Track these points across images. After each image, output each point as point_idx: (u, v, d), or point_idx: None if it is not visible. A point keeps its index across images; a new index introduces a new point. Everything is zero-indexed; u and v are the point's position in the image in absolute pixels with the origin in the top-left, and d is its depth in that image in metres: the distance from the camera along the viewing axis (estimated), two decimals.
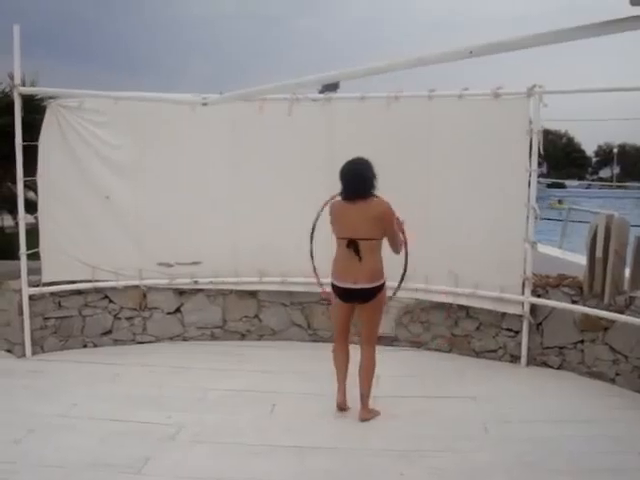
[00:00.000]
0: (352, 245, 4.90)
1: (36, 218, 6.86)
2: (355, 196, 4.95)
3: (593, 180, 59.30)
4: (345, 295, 5.05)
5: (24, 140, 6.45)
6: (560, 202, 10.40)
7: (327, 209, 5.15)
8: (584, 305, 6.01)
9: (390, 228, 5.00)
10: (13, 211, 14.80)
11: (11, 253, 12.93)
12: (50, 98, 6.82)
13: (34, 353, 6.66)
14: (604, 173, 67.77)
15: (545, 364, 6.37)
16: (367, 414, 5.07)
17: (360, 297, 5.01)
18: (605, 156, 68.55)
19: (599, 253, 5.57)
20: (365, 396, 5.11)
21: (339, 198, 5.06)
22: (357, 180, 4.98)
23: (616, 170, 64.04)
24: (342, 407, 5.18)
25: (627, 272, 5.53)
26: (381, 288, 5.03)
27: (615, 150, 62.55)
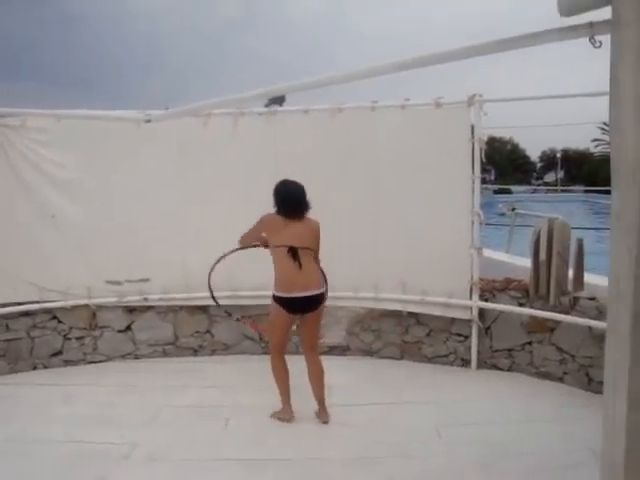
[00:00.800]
0: (291, 251, 5.07)
1: None
2: (297, 214, 5.17)
3: (539, 185, 60.27)
4: (293, 305, 5.12)
5: None
6: (513, 209, 10.51)
7: (263, 221, 5.26)
8: (530, 307, 6.15)
9: (318, 245, 5.31)
10: None
11: None
12: None
13: None
14: (549, 178, 68.89)
15: (495, 367, 6.49)
16: (328, 415, 5.26)
17: (310, 304, 5.15)
18: (549, 161, 69.65)
19: (543, 256, 5.72)
20: (324, 399, 5.29)
21: (272, 214, 5.20)
22: (300, 200, 5.20)
23: (560, 174, 65.19)
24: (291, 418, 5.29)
25: (570, 273, 5.69)
26: (325, 293, 5.25)
27: (558, 155, 63.68)
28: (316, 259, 5.32)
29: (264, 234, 5.29)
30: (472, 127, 6.35)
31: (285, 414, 5.32)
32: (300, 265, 5.08)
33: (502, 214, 10.66)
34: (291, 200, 5.18)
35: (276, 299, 5.15)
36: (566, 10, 2.43)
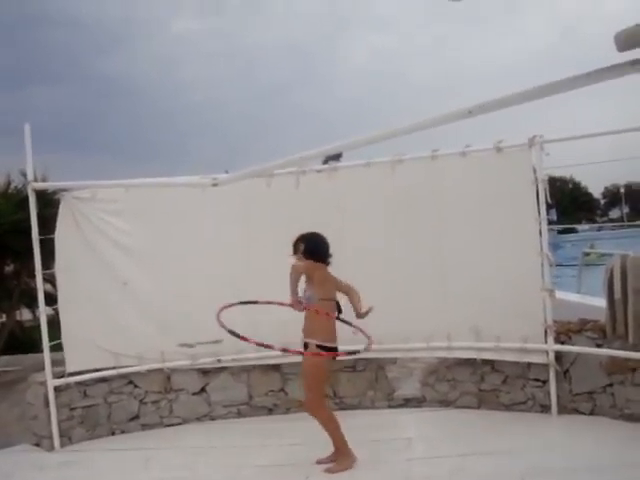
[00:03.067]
0: (338, 306, 5.47)
1: (55, 310, 6.93)
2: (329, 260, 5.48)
3: (604, 222, 59.26)
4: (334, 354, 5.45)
5: (39, 234, 6.57)
6: (588, 254, 10.22)
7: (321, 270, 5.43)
8: (609, 347, 5.98)
9: None
10: (31, 305, 15.03)
11: (32, 347, 13.06)
12: (62, 190, 6.96)
13: (62, 445, 6.63)
14: (613, 214, 67.76)
15: (576, 411, 6.29)
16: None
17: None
18: (612, 197, 68.63)
19: (618, 294, 5.58)
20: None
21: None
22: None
23: (625, 209, 63.99)
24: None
25: None
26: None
27: (622, 190, 62.64)
28: None
29: (312, 280, 5.41)
30: (534, 168, 6.31)
31: (350, 461, 5.33)
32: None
33: (587, 254, 10.32)
34: (327, 248, 5.47)
35: (326, 349, 5.28)
36: (622, 45, 2.42)
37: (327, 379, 5.52)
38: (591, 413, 6.23)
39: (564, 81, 2.89)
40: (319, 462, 5.46)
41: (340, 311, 5.47)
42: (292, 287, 5.36)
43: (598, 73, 2.75)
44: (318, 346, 5.27)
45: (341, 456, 5.35)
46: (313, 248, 5.42)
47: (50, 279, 7.49)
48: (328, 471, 5.29)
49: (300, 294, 5.43)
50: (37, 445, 6.70)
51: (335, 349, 5.37)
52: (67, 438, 6.73)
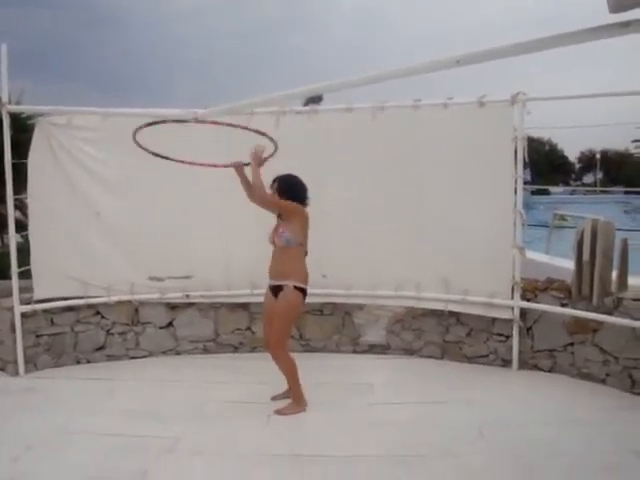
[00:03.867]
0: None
1: (24, 237, 6.87)
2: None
3: (577, 186, 59.72)
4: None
5: (11, 159, 6.45)
6: (563, 218, 10.22)
7: (304, 215, 5.45)
8: (573, 308, 6.08)
9: None
10: (0, 232, 14.86)
11: (1, 273, 12.94)
12: (37, 116, 6.84)
13: (27, 371, 6.65)
14: (587, 179, 68.29)
15: (536, 367, 6.44)
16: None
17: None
18: (588, 162, 69.01)
19: (586, 256, 5.66)
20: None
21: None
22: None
23: (599, 175, 64.51)
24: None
25: (614, 274, 5.63)
26: None
27: (598, 156, 63.02)
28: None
29: (293, 223, 5.40)
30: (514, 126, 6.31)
31: (302, 406, 5.44)
32: None
33: (558, 216, 10.31)
34: (304, 187, 5.48)
35: (302, 290, 5.35)
36: (615, 6, 2.41)
37: (296, 321, 5.57)
38: (550, 370, 6.38)
39: (553, 37, 2.88)
40: (274, 398, 5.61)
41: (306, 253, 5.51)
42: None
43: (588, 32, 2.75)
44: (296, 287, 5.30)
45: (295, 399, 5.44)
46: (289, 188, 5.42)
47: (20, 206, 7.41)
48: (278, 412, 5.38)
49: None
50: (2, 370, 6.72)
51: (304, 291, 5.41)
52: (32, 364, 6.74)
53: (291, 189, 5.42)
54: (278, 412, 5.37)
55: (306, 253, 5.46)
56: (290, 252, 5.35)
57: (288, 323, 5.49)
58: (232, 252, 6.80)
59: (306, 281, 5.39)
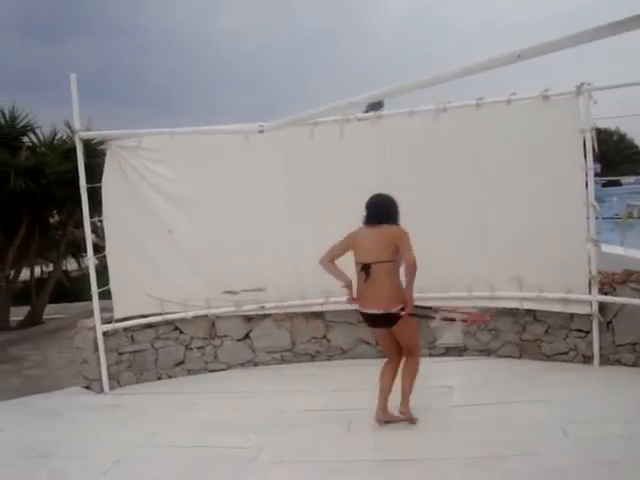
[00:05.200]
0: (364, 269, 5.07)
1: (100, 259, 7.08)
2: (375, 221, 5.17)
3: None
4: (367, 320, 5.22)
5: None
6: (631, 215, 9.98)
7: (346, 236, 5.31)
8: None
9: (404, 245, 5.00)
10: (76, 255, 15.32)
11: (78, 296, 13.35)
12: (106, 141, 7.06)
13: (111, 388, 6.86)
14: None
15: (619, 362, 6.28)
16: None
17: (382, 322, 5.13)
18: None
19: None
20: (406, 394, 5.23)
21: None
22: (380, 207, 5.23)
23: None
24: (380, 420, 5.26)
25: None
26: (398, 315, 5.01)
27: None
28: (396, 268, 5.14)
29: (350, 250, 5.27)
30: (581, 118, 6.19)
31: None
32: (373, 281, 5.05)
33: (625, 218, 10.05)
34: (370, 208, 5.25)
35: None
36: None
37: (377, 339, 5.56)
38: (634, 365, 6.21)
39: (610, 25, 2.84)
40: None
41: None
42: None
43: None
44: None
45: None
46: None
47: (95, 229, 7.64)
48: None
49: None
50: (87, 388, 6.93)
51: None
52: (116, 381, 6.95)
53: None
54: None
55: (360, 271, 5.17)
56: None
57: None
58: (301, 262, 6.85)
59: (358, 302, 5.20)
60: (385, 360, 5.43)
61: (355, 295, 5.20)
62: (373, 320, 5.16)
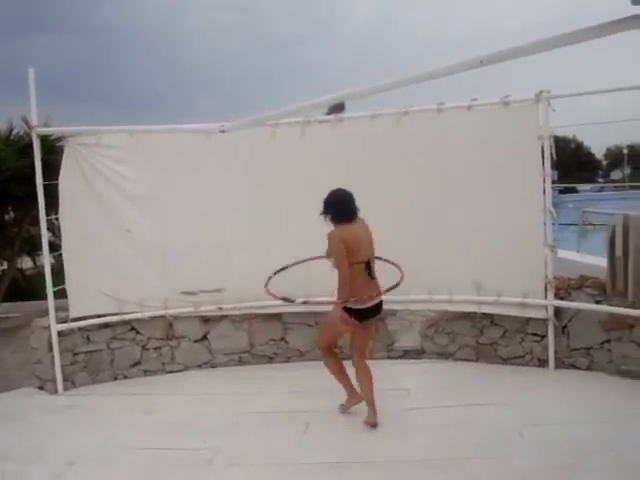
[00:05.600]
0: (368, 267, 5.19)
1: (56, 257, 6.97)
2: (354, 215, 5.25)
3: (605, 182, 58.97)
4: (366, 315, 5.21)
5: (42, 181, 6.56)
6: (589, 223, 10.05)
7: (331, 241, 5.14)
8: (608, 304, 6.02)
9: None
10: (32, 253, 15.05)
11: (33, 294, 13.11)
12: (64, 137, 6.94)
13: (66, 389, 6.75)
14: (615, 175, 67.42)
15: (573, 366, 6.37)
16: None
17: (377, 312, 5.29)
18: (615, 158, 68.22)
19: (619, 252, 5.62)
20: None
21: (332, 228, 5.19)
22: (351, 200, 5.27)
23: (627, 171, 63.68)
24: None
25: None
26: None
27: (625, 151, 62.22)
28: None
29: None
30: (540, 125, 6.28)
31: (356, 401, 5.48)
32: (372, 277, 5.22)
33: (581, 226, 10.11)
34: (347, 202, 5.26)
35: (348, 310, 5.13)
36: None
37: (339, 334, 5.60)
38: (588, 368, 6.31)
39: (576, 32, 2.88)
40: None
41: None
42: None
43: (610, 25, 2.74)
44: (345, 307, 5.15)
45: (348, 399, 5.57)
46: (331, 212, 5.24)
47: (51, 227, 7.51)
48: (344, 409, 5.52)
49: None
50: (41, 388, 6.81)
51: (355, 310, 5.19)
52: (70, 382, 6.84)
53: (331, 212, 5.25)
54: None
55: (364, 269, 5.20)
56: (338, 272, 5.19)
57: (329, 333, 5.54)
58: (262, 264, 6.81)
59: (357, 300, 5.11)
60: (330, 354, 5.57)
61: (353, 296, 5.08)
62: (373, 312, 5.26)
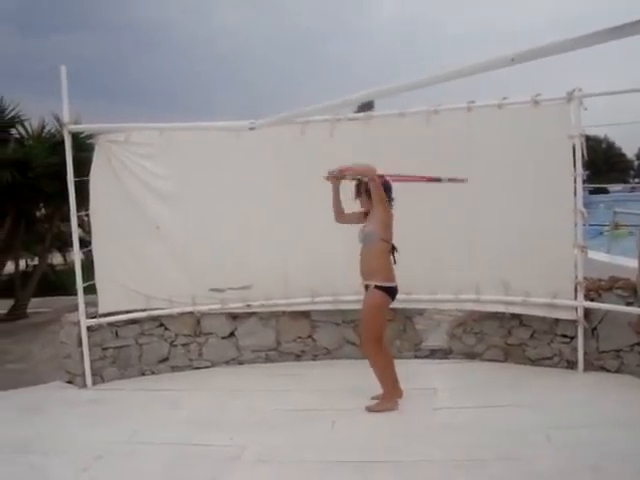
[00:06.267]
0: (393, 251, 5.55)
1: (85, 253, 7.03)
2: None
3: (637, 183, 58.26)
4: (395, 294, 5.57)
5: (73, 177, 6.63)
6: (618, 228, 9.97)
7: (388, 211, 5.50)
8: (639, 306, 5.95)
9: None
10: (62, 249, 15.24)
11: (63, 290, 13.27)
12: (95, 134, 7.01)
13: (95, 383, 6.81)
14: None
15: (603, 368, 6.30)
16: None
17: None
18: None
19: None
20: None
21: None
22: None
23: None
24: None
25: None
26: None
27: None
28: None
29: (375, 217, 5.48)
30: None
31: (393, 403, 5.50)
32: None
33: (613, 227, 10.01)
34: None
35: (386, 290, 5.38)
36: None
37: (385, 322, 5.68)
38: (617, 371, 6.23)
39: (603, 31, 2.83)
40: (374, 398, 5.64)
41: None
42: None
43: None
44: (377, 287, 5.39)
45: (385, 396, 5.55)
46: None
47: (81, 223, 7.58)
48: (368, 409, 5.48)
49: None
50: (70, 382, 6.89)
51: (392, 289, 5.48)
52: (99, 377, 6.90)
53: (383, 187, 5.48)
54: (368, 408, 5.48)
55: (393, 250, 5.56)
56: (372, 249, 5.43)
57: (373, 324, 5.53)
58: (289, 261, 6.84)
59: (391, 278, 5.45)
60: (381, 345, 5.59)
61: (389, 271, 5.52)
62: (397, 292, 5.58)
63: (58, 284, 14.77)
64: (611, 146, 67.90)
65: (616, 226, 9.96)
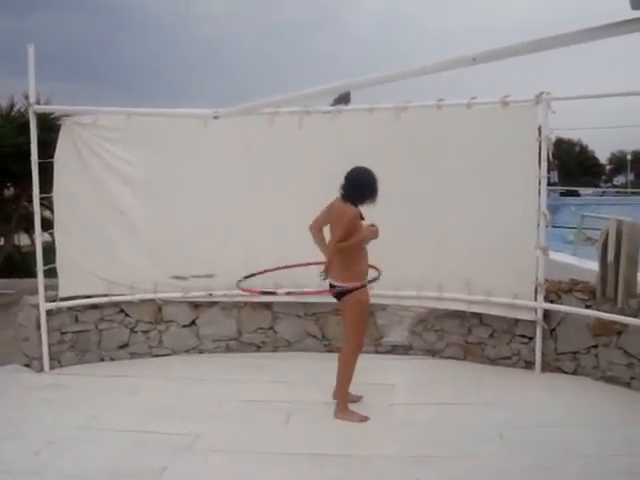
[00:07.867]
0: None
1: (51, 235, 6.95)
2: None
3: (607, 187, 59.00)
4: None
5: (40, 158, 6.54)
6: (586, 236, 10.06)
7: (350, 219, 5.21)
8: (597, 310, 6.01)
9: None
10: (29, 230, 15.04)
11: (28, 271, 13.08)
12: (64, 116, 6.92)
13: (52, 367, 6.73)
14: (618, 180, 67.53)
15: (560, 370, 6.37)
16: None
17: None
18: (618, 163, 68.29)
19: (610, 258, 5.60)
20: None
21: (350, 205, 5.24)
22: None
23: (630, 177, 63.72)
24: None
25: (639, 276, 5.56)
26: None
27: (629, 157, 62.26)
28: None
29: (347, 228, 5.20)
30: (539, 126, 6.25)
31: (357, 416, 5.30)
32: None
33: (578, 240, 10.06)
34: (374, 185, 5.32)
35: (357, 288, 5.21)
36: (637, 3, 2.37)
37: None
38: (574, 373, 6.31)
39: (572, 34, 2.83)
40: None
41: None
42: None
43: (608, 28, 2.70)
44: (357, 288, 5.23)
45: (341, 398, 5.37)
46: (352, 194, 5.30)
47: (49, 205, 7.49)
48: (336, 415, 5.32)
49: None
50: (27, 366, 6.80)
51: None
52: (57, 361, 6.82)
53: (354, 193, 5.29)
54: (336, 415, 5.31)
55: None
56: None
57: (361, 324, 5.44)
58: (254, 251, 6.80)
59: (365, 275, 5.33)
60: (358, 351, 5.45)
61: (362, 272, 5.36)
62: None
63: (23, 265, 14.53)
64: (584, 150, 68.59)
65: (583, 229, 10.05)
